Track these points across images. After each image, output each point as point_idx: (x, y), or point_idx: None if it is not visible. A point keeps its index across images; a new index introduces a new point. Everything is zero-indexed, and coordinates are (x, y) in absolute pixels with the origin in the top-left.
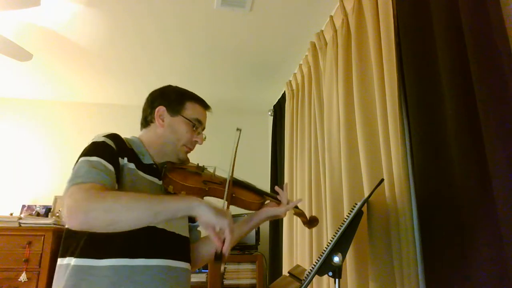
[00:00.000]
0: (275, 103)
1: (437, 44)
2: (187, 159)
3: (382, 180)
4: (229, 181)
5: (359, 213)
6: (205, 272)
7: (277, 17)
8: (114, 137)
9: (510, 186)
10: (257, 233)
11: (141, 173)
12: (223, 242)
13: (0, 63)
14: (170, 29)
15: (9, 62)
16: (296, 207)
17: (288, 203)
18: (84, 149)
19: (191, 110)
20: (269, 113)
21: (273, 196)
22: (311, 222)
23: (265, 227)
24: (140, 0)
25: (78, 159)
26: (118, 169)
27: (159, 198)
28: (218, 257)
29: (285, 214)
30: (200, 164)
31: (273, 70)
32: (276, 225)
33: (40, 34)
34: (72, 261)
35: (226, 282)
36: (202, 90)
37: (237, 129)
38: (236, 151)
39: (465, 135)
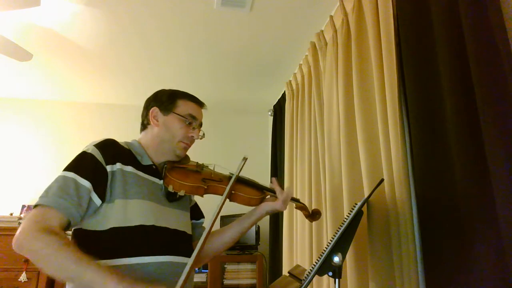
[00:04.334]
0: (275, 103)
1: (437, 44)
2: (187, 158)
3: (382, 180)
4: (225, 196)
5: (359, 213)
6: (205, 272)
7: (277, 17)
8: (104, 144)
9: (510, 186)
10: (257, 233)
11: (140, 173)
12: None
13: (0, 63)
14: (170, 29)
15: (9, 62)
16: (297, 200)
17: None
18: (72, 160)
19: (183, 106)
20: (269, 113)
21: (272, 190)
22: (313, 215)
23: (265, 227)
24: (140, 0)
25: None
26: (101, 179)
27: (79, 263)
28: None
29: (284, 207)
30: (200, 163)
31: (273, 70)
32: (276, 225)
33: (40, 34)
34: None
35: (226, 282)
36: (202, 90)
37: (244, 158)
38: (237, 176)
39: (465, 135)
